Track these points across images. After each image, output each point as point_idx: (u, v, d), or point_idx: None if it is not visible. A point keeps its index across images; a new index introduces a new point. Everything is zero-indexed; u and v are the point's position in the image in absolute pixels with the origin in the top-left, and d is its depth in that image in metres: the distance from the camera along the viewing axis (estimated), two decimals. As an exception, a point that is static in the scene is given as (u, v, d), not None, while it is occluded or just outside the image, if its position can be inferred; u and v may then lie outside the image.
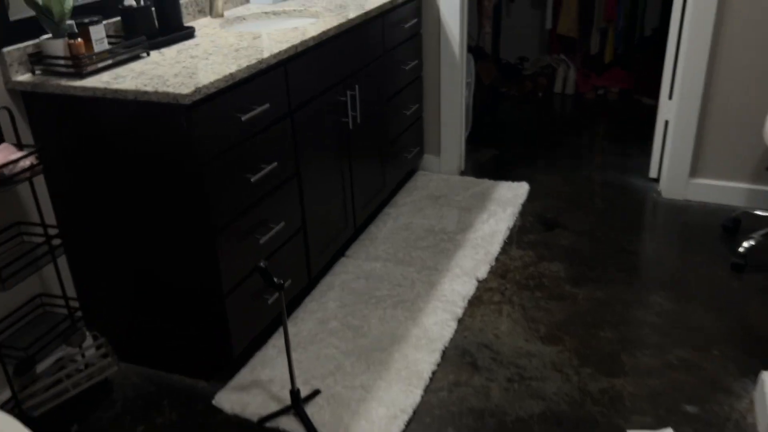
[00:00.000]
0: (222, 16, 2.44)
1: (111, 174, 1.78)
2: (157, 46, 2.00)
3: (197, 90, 1.59)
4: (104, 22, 2.00)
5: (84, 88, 1.67)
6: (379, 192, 2.85)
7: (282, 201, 2.06)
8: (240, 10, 2.56)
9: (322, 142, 2.28)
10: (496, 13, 4.58)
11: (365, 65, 2.54)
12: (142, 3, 2.00)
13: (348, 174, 2.50)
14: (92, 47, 1.80)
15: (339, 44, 2.31)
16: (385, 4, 2.59)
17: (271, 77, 1.92)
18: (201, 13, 2.44)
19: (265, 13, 2.54)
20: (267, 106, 1.88)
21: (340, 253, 2.64)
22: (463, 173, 3.38)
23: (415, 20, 2.94)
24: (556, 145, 3.70)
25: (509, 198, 3.06)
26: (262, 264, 1.65)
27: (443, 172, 3.34)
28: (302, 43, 2.03)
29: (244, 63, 1.79)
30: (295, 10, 2.55)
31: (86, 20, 1.78)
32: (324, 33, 2.15)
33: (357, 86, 2.46)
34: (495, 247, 2.66)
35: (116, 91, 1.63)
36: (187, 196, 1.70)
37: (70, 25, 1.73)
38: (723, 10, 2.63)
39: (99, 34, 1.81)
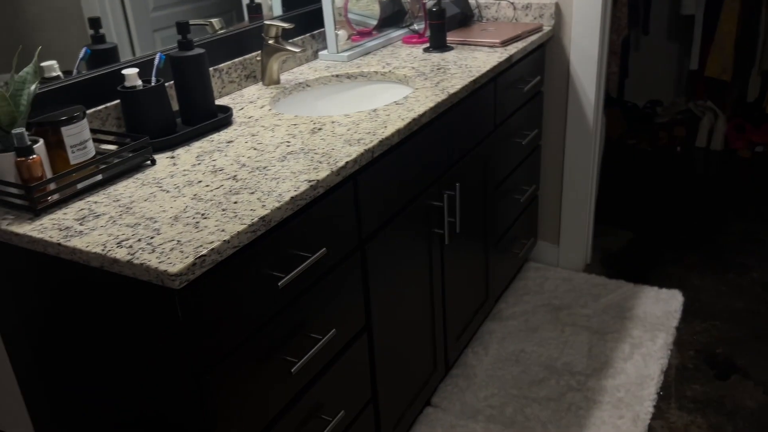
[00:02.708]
0: (278, 82, 1.79)
1: (89, 362, 1.15)
2: (172, 145, 1.37)
3: (195, 264, 0.93)
4: (101, 106, 1.39)
5: (32, 240, 1.05)
6: (480, 308, 2.12)
7: (341, 378, 1.38)
8: (304, 71, 1.91)
9: (405, 271, 1.59)
10: (624, 48, 3.75)
11: (469, 150, 1.83)
12: (153, 82, 1.38)
13: (440, 299, 1.80)
14: (66, 158, 1.19)
15: (435, 129, 1.61)
16: (500, 64, 1.87)
17: (331, 203, 1.25)
18: (250, 79, 1.80)
19: (337, 76, 1.87)
20: (323, 251, 1.21)
21: (424, 399, 1.93)
22: (589, 268, 2.59)
23: (537, 78, 2.20)
24: (711, 226, 2.84)
25: (658, 316, 2.25)
26: None
27: (563, 266, 2.57)
28: (385, 140, 1.35)
29: (288, 191, 1.12)
30: (376, 72, 1.87)
31: (61, 116, 1.17)
32: (417, 120, 1.46)
33: (458, 183, 1.75)
34: (646, 407, 1.87)
35: (73, 251, 1.00)
36: (189, 417, 1.05)
37: (20, 135, 1.11)
38: None
39: (78, 136, 1.19)
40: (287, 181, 1.16)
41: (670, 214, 2.99)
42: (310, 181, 1.16)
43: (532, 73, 2.18)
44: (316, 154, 1.29)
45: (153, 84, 1.37)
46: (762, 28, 3.30)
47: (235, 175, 1.21)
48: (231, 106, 1.63)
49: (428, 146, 1.59)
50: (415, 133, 1.51)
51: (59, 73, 1.43)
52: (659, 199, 3.14)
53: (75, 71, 1.47)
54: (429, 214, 1.65)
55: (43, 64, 1.39)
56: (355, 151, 1.29)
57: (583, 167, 2.39)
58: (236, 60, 1.75)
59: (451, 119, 1.68)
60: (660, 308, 2.29)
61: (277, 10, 1.99)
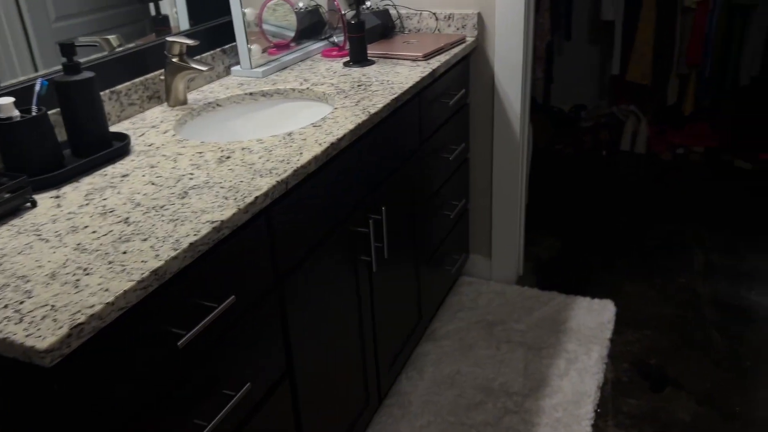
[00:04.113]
0: (184, 103, 1.65)
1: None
2: (58, 182, 1.21)
3: (71, 335, 0.80)
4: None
5: None
6: (413, 330, 2.04)
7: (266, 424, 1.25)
8: (215, 89, 1.77)
9: (330, 305, 1.48)
10: (548, 53, 3.76)
11: (395, 170, 1.74)
12: (34, 111, 1.22)
13: (370, 328, 1.70)
14: (-75, 205, 1.02)
15: (357, 151, 1.51)
16: (423, 79, 1.79)
17: (239, 243, 1.12)
18: (153, 100, 1.65)
19: (251, 94, 1.75)
20: (231, 299, 1.08)
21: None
22: (521, 280, 2.55)
23: (462, 91, 2.13)
24: (638, 230, 2.86)
25: (591, 328, 2.22)
26: None
27: (496, 278, 2.52)
28: (300, 169, 1.24)
29: (186, 236, 1.00)
30: (293, 90, 1.76)
31: None
32: (336, 144, 1.36)
33: (384, 207, 1.66)
34: (584, 427, 1.83)
35: (-77, 324, 0.84)
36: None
37: None
38: None
39: (-61, 180, 1.03)
40: (187, 224, 1.03)
41: (598, 220, 3.00)
42: (212, 223, 1.03)
43: (457, 86, 2.12)
44: (222, 188, 1.16)
45: (33, 114, 1.21)
46: (678, 33, 3.37)
47: (128, 218, 1.07)
48: (130, 132, 1.48)
49: (349, 170, 1.48)
50: (335, 157, 1.41)
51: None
52: (587, 205, 3.15)
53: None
54: (354, 242, 1.55)
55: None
56: (266, 183, 1.17)
57: (512, 178, 2.34)
58: (137, 80, 1.59)
59: (374, 140, 1.59)
60: (593, 319, 2.27)
61: (184, 24, 1.84)
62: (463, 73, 2.18)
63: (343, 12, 2.17)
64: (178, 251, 0.96)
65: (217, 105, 1.70)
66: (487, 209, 2.44)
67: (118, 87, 1.54)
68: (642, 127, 3.65)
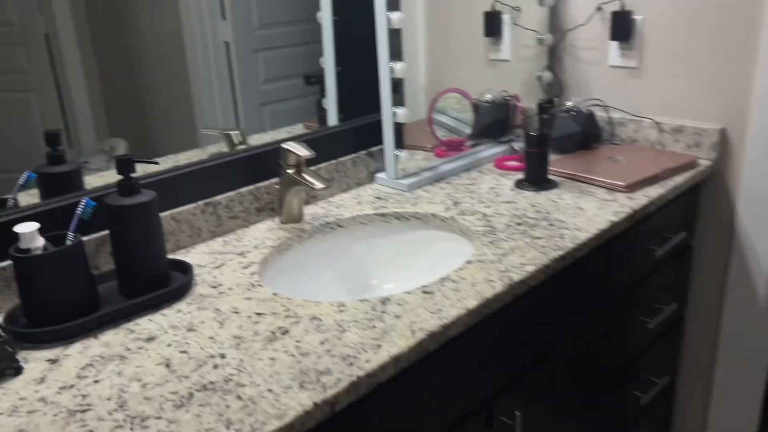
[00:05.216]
0: (298, 220, 1.35)
1: None
2: (72, 335, 0.95)
3: None
4: None
5: None
6: None
7: None
8: (345, 201, 1.44)
9: None
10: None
11: (551, 344, 1.24)
12: (69, 239, 0.98)
13: None
14: None
15: (478, 334, 1.05)
16: (615, 225, 1.27)
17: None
18: (264, 212, 1.37)
19: (382, 215, 1.39)
20: None
21: None
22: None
23: (681, 235, 1.54)
24: None
25: None
26: None
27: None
28: (364, 378, 0.84)
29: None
30: (435, 216, 1.36)
31: None
32: (439, 334, 0.93)
33: (520, 411, 1.16)
34: None
35: None
36: None
37: None
38: None
39: None
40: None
41: None
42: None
43: (674, 227, 1.54)
44: (239, 399, 0.80)
45: (69, 243, 0.98)
46: None
47: (92, 430, 0.76)
48: (213, 257, 1.20)
49: (467, 360, 1.04)
50: (442, 347, 0.98)
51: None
52: None
53: (11, 200, 1.13)
54: (466, 454, 1.08)
55: (-38, 197, 1.07)
56: (301, 403, 0.78)
57: (748, 356, 1.66)
58: (244, 189, 1.33)
59: (516, 312, 1.12)
60: None
61: (332, 118, 1.56)
62: (688, 210, 1.59)
63: (525, 111, 1.73)
64: None
65: (338, 226, 1.37)
66: (701, 394, 1.76)
67: (216, 197, 1.29)
68: None
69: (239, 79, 1.42)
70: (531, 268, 1.09)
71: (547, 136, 1.45)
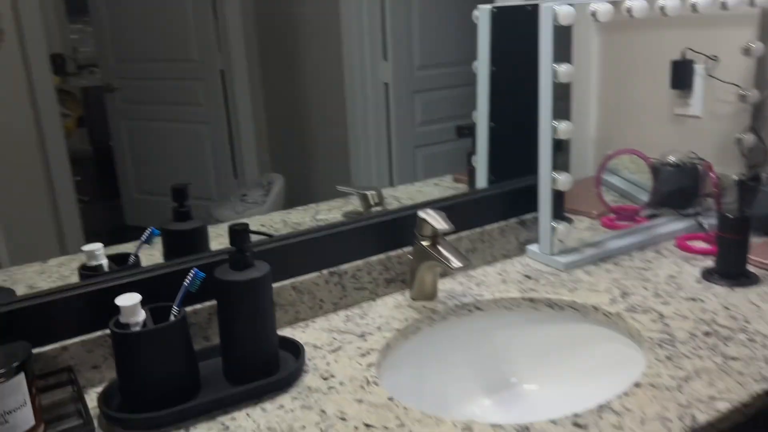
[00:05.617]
0: (431, 297, 1.18)
1: None
2: (158, 425, 0.85)
3: None
4: (94, 334, 0.96)
5: None
6: None
7: None
8: (488, 277, 1.25)
9: None
10: None
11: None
12: (173, 314, 0.89)
13: None
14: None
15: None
16: (844, 350, 0.96)
17: None
18: (394, 284, 1.22)
19: (531, 300, 1.17)
20: None
21: None
22: None
23: None
24: None
25: None
26: None
27: None
28: None
29: None
30: (596, 309, 1.12)
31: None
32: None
33: None
34: None
35: None
36: None
37: None
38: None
39: None
40: None
41: None
42: None
43: None
44: None
45: (172, 317, 0.89)
46: None
47: None
48: (332, 337, 1.07)
49: None
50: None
51: (103, 261, 1.05)
52: None
53: (132, 258, 1.08)
54: None
55: (85, 247, 1.03)
56: None
57: None
58: (373, 258, 1.19)
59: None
60: None
61: (482, 180, 1.39)
62: None
63: (719, 180, 1.42)
64: None
65: (476, 308, 1.17)
66: None
67: (344, 266, 1.15)
68: None
69: (395, 120, 1.37)
70: (724, 406, 0.83)
71: (748, 220, 1.16)
